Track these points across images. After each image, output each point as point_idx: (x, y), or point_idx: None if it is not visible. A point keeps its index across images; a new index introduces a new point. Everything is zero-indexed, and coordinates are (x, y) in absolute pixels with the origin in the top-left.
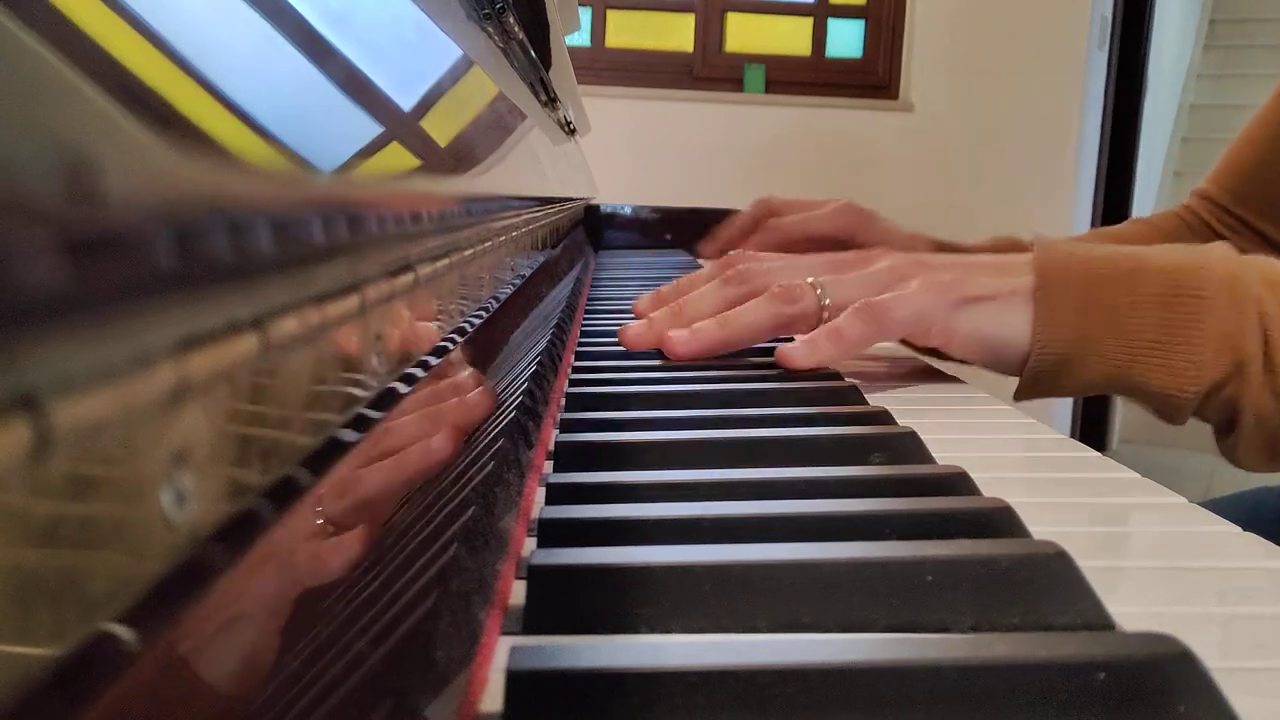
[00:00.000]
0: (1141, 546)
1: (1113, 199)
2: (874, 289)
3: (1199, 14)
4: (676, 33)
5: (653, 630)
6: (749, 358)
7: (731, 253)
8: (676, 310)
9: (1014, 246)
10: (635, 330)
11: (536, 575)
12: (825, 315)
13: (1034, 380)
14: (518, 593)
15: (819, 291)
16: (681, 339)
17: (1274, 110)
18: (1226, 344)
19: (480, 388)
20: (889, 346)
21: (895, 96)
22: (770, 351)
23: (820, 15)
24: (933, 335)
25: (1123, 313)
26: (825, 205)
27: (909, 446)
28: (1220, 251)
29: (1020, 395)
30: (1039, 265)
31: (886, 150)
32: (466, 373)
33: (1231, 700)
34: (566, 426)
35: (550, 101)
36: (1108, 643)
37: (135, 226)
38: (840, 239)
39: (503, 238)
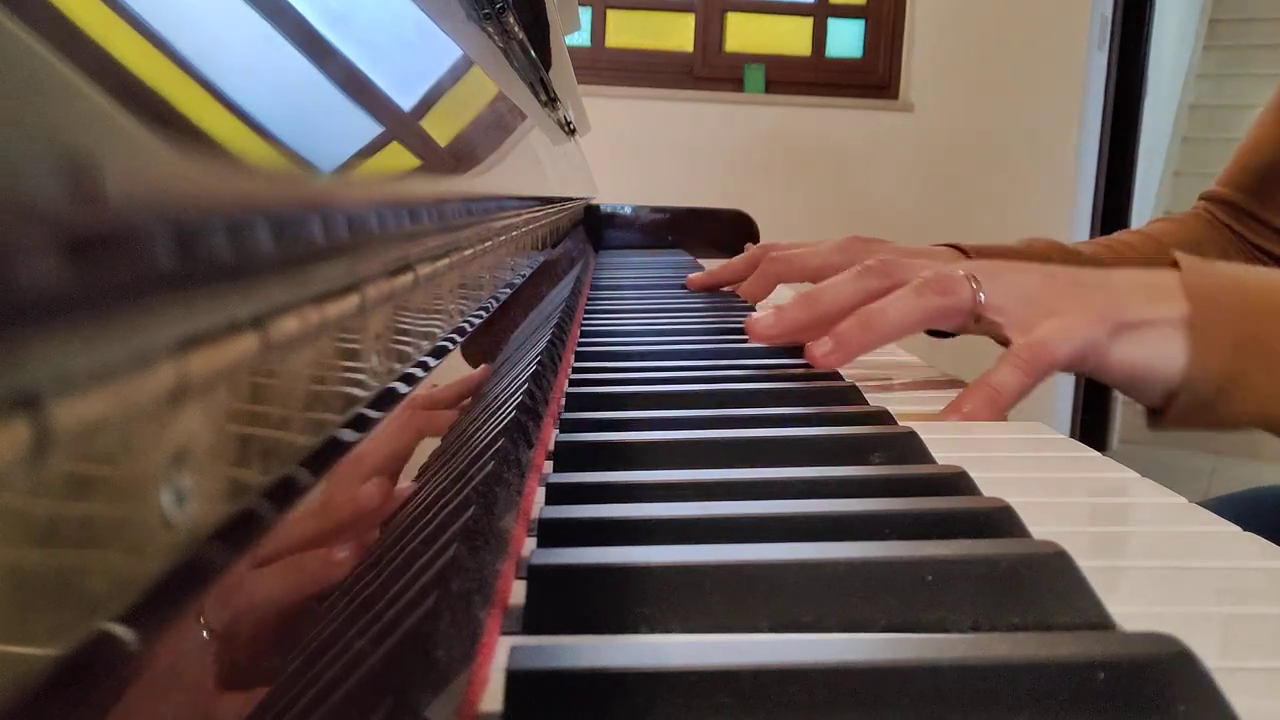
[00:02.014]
0: (1141, 546)
1: (1113, 199)
2: (1027, 300)
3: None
4: (676, 33)
5: (653, 630)
6: (751, 357)
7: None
8: (810, 300)
9: (1053, 250)
10: (764, 322)
11: (536, 575)
12: (978, 313)
13: (1184, 413)
14: (518, 593)
15: (974, 284)
16: (823, 350)
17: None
18: None
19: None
20: (887, 346)
21: (895, 96)
22: (773, 354)
23: (820, 15)
24: (1088, 365)
25: (1277, 348)
26: (823, 245)
27: (909, 446)
28: None
29: (1164, 426)
30: (1191, 291)
31: (886, 150)
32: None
33: (1231, 700)
34: (566, 426)
35: (550, 101)
36: (1107, 642)
37: (135, 226)
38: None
39: (502, 238)
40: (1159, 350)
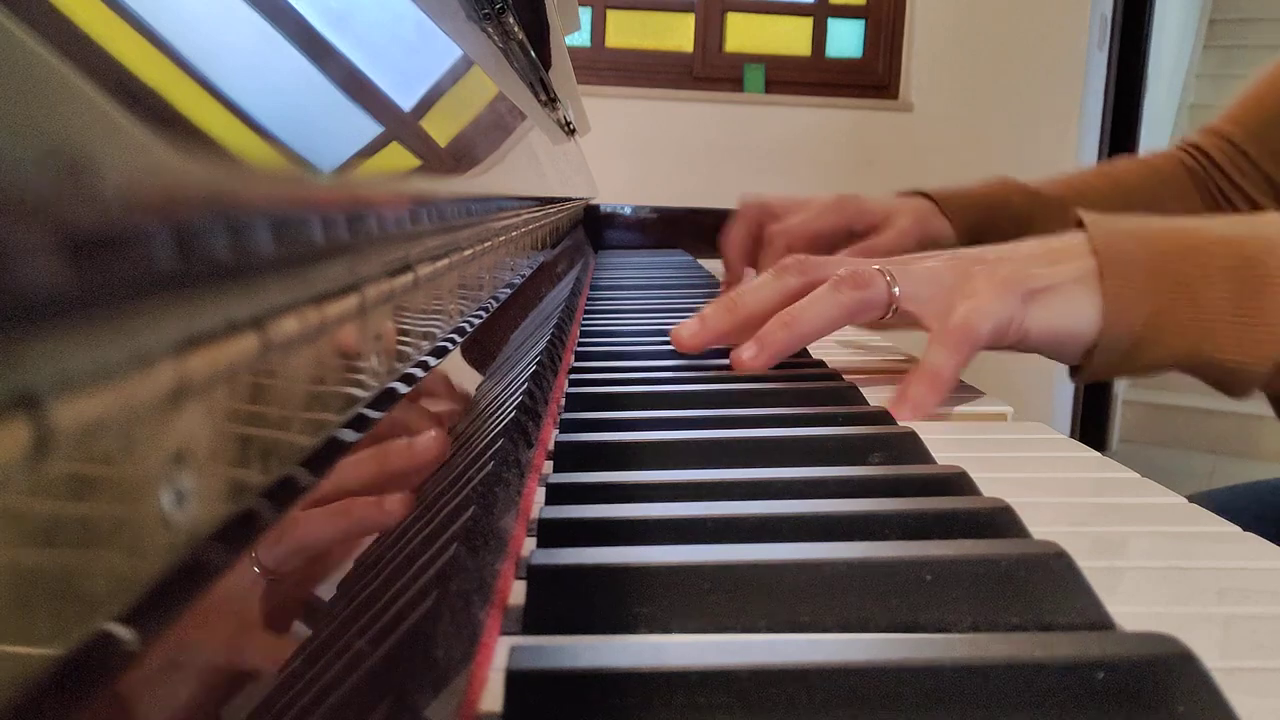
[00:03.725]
0: (1141, 546)
1: None
2: (937, 285)
3: (1199, 14)
4: (676, 33)
5: (652, 630)
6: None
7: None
8: (731, 304)
9: (1009, 187)
10: (689, 329)
11: (536, 575)
12: (894, 305)
13: (1104, 363)
14: (518, 593)
15: (888, 278)
16: (749, 354)
17: None
18: None
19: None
20: (887, 345)
21: (895, 96)
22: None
23: (820, 15)
24: (1009, 337)
25: (1194, 287)
26: (813, 201)
27: (909, 446)
28: (1276, 219)
29: (1086, 378)
30: (1098, 246)
31: (886, 150)
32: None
33: (1231, 700)
34: (566, 426)
35: (550, 101)
36: (1107, 643)
37: (135, 226)
38: (842, 232)
39: (502, 238)
40: (1071, 309)
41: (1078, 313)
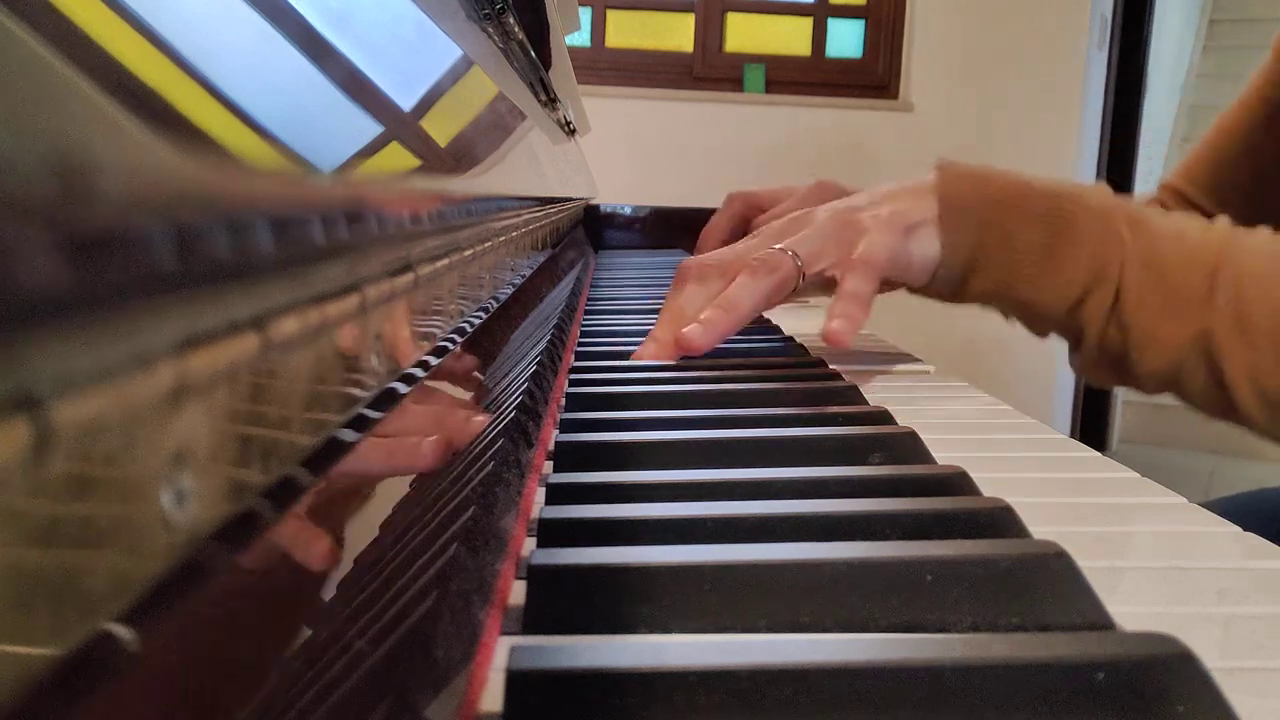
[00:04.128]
0: (1141, 546)
1: None
2: (830, 239)
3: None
4: (676, 33)
5: (652, 630)
6: (750, 357)
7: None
8: (675, 315)
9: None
10: (647, 349)
11: (536, 575)
12: (803, 273)
13: (939, 288)
14: (518, 593)
15: (790, 254)
16: (696, 332)
17: (1243, 107)
18: (1091, 267)
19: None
20: (886, 344)
21: (895, 96)
22: (773, 354)
23: (820, 15)
24: (899, 267)
25: (1011, 230)
26: (796, 191)
27: (909, 446)
28: (1099, 188)
29: (922, 294)
30: (942, 190)
31: (886, 150)
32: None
33: (1231, 700)
34: (566, 426)
35: (550, 101)
36: (1107, 643)
37: (135, 226)
38: None
39: (502, 238)
40: (932, 240)
41: (933, 245)
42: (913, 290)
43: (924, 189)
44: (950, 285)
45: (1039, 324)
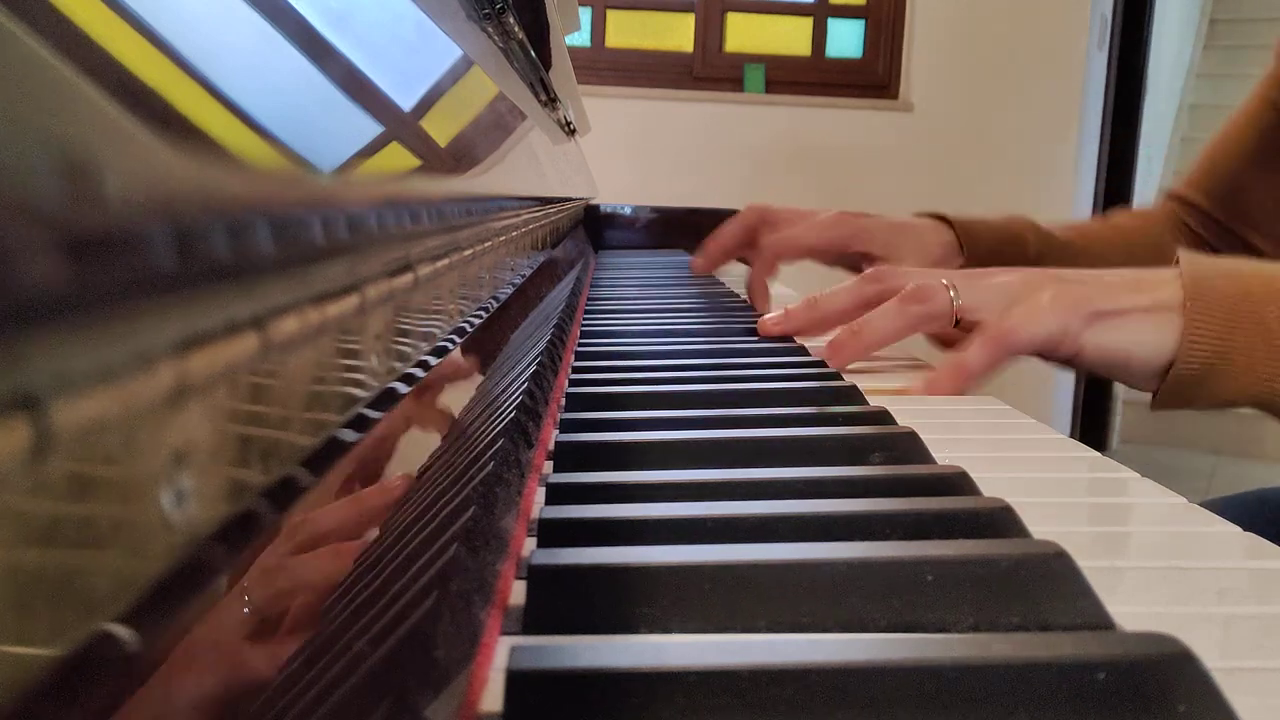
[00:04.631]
0: (1141, 546)
1: (1112, 199)
2: (1006, 298)
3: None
4: (676, 33)
5: (653, 630)
6: (750, 357)
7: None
8: (812, 303)
9: (1024, 224)
10: (774, 319)
11: (536, 575)
12: (957, 316)
13: (1176, 390)
14: (518, 593)
15: (952, 293)
16: (824, 357)
17: (1247, 115)
18: None
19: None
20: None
21: (895, 96)
22: (773, 354)
23: (820, 15)
24: (1060, 352)
25: (1272, 329)
26: (816, 215)
27: (909, 446)
28: None
29: (1159, 406)
30: (1188, 279)
31: (886, 150)
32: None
33: (1231, 700)
34: (566, 426)
35: (550, 101)
36: (1108, 643)
37: (135, 226)
38: (836, 250)
39: (502, 238)
40: (1137, 336)
41: (1145, 340)
42: (1141, 389)
43: (1156, 277)
44: (1189, 384)
45: None
